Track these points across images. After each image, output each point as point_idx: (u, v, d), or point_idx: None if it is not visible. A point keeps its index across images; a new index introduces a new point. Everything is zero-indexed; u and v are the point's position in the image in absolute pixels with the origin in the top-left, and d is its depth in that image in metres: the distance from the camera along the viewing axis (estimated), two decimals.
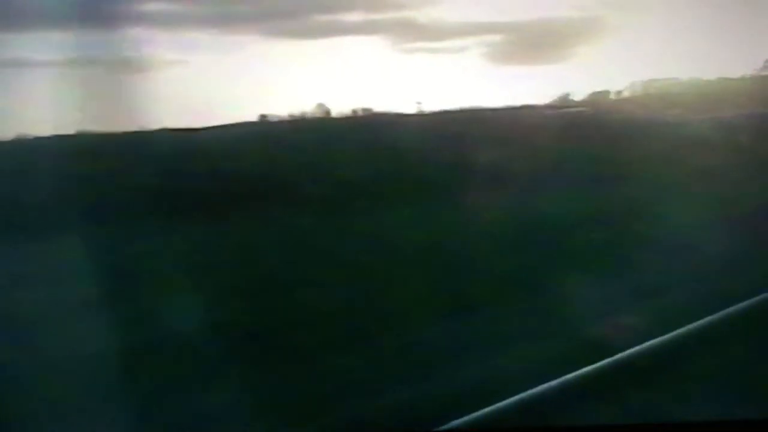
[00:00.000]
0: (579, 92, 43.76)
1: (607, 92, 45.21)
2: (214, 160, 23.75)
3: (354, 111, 39.45)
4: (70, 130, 32.72)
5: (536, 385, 6.14)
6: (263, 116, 36.87)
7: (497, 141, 24.36)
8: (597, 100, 41.79)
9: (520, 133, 27.42)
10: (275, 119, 36.22)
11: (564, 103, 40.45)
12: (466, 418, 5.56)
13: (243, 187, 20.12)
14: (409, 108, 41.44)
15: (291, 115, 37.25)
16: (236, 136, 31.28)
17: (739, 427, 3.77)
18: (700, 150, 22.14)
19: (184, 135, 31.39)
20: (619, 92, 44.52)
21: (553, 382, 6.17)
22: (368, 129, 33.01)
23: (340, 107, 37.24)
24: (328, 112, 37.88)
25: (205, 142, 29.30)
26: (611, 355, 6.82)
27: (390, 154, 24.00)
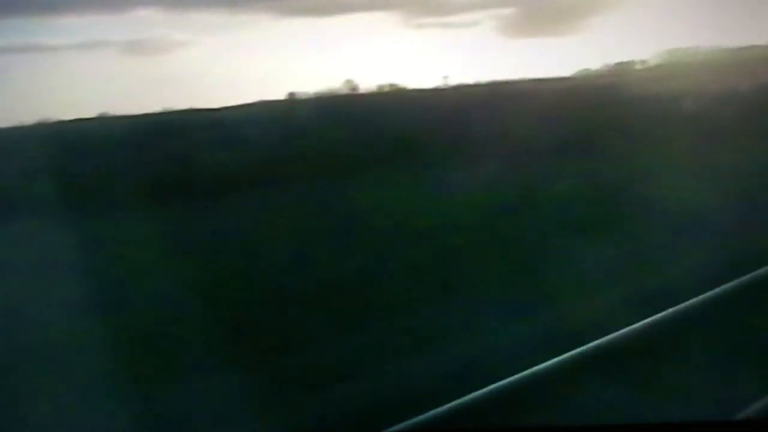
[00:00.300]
0: (601, 63, 43.12)
1: (631, 63, 44.45)
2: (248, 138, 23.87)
3: (368, 87, 39.22)
4: (91, 113, 32.83)
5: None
6: (284, 94, 36.82)
7: (529, 114, 24.30)
8: (621, 70, 41.14)
9: (549, 107, 27.18)
10: (289, 97, 36.13)
11: (586, 74, 39.90)
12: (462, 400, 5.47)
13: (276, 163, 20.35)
14: (425, 83, 41.03)
15: (304, 93, 37.14)
16: (259, 114, 31.25)
17: (739, 427, 3.66)
18: (725, 118, 21.91)
19: (206, 115, 31.42)
20: (643, 62, 43.74)
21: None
22: (391, 104, 32.84)
23: (353, 83, 36.97)
24: (342, 88, 37.69)
25: (229, 122, 29.29)
26: None
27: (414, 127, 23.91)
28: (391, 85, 38.59)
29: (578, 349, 6.26)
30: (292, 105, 34.38)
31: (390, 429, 5.35)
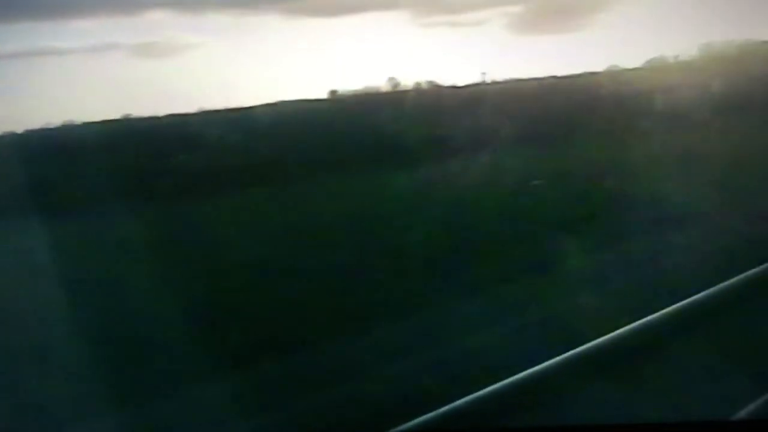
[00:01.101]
0: (626, 60, 42.59)
1: (662, 58, 43.57)
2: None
3: (377, 86, 39.22)
4: (114, 116, 33.00)
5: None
6: (293, 95, 37.01)
7: (555, 110, 24.14)
8: (650, 67, 40.41)
9: (578, 102, 26.89)
10: (330, 95, 36.28)
11: (614, 71, 39.31)
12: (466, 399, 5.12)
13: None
14: (435, 82, 40.77)
15: (314, 93, 37.38)
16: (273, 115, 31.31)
17: (739, 427, 3.32)
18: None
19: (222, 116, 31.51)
20: (676, 57, 42.86)
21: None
22: (398, 103, 32.73)
23: (364, 84, 37.11)
24: (352, 90, 37.77)
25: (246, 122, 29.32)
26: None
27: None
28: (399, 84, 38.53)
29: (575, 350, 5.93)
30: (305, 105, 34.43)
31: (392, 430, 5.11)
